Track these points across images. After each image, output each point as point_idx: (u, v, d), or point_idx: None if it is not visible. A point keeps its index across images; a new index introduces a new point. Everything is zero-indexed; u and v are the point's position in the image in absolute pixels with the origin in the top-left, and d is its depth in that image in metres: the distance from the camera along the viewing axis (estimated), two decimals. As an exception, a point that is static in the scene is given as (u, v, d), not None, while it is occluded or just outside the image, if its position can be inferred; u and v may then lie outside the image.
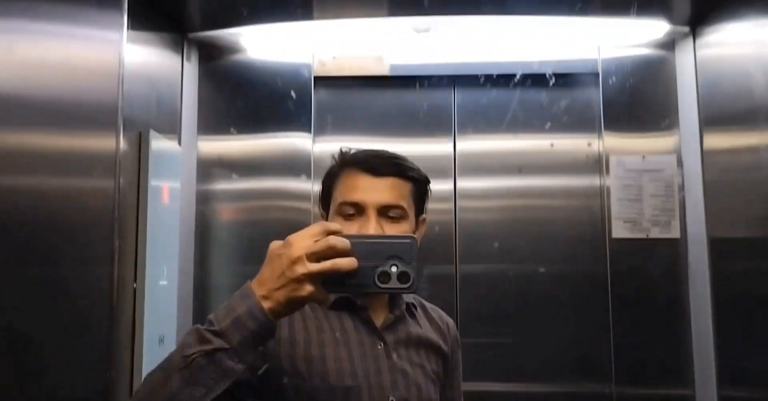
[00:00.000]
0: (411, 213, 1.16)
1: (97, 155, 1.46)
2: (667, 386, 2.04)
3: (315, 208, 1.92)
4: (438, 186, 2.13)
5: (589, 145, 2.16)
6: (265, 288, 0.87)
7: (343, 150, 1.21)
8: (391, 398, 1.10)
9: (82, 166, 1.38)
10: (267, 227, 2.07)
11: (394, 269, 0.90)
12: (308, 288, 0.86)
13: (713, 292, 2.00)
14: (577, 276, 2.09)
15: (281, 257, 0.87)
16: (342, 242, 0.88)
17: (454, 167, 2.15)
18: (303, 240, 0.87)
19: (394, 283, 0.90)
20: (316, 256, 0.86)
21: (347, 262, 0.87)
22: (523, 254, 2.11)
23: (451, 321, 1.31)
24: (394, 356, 1.14)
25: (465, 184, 2.15)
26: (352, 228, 1.11)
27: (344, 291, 1.03)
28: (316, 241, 0.87)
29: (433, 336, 1.22)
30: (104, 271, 1.47)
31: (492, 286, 2.09)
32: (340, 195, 1.15)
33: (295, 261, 0.85)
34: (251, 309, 0.86)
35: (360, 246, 0.89)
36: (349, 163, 1.18)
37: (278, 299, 0.86)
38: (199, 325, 0.89)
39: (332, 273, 0.86)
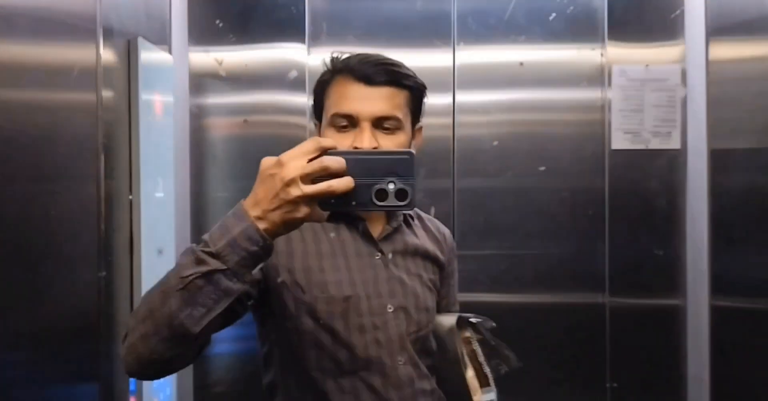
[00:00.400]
0: (407, 123, 1.12)
1: (80, 66, 1.43)
2: (660, 296, 2.08)
3: (311, 123, 1.89)
4: (437, 100, 2.10)
5: (593, 50, 2.09)
6: (259, 209, 0.84)
7: (335, 55, 1.14)
8: (389, 306, 1.12)
9: (64, 78, 1.35)
10: (262, 141, 2.04)
11: (391, 186, 0.87)
12: (304, 210, 0.84)
13: (710, 204, 2.01)
14: (575, 189, 2.09)
15: (274, 177, 0.83)
16: (337, 162, 0.84)
17: (454, 80, 2.10)
18: (296, 160, 0.83)
19: (392, 200, 0.87)
20: (311, 177, 0.83)
21: (343, 183, 0.84)
22: (521, 168, 2.09)
23: (447, 231, 1.31)
24: (392, 266, 1.14)
25: (464, 97, 2.11)
26: (346, 140, 1.07)
27: (341, 210, 1.01)
28: (310, 160, 0.84)
29: (430, 246, 1.22)
30: (92, 184, 1.47)
31: (490, 200, 2.09)
32: (332, 105, 1.10)
33: (289, 183, 0.82)
34: (247, 230, 0.84)
35: (356, 164, 0.86)
36: (341, 70, 1.12)
37: (273, 220, 0.84)
38: (194, 245, 0.87)
39: (328, 194, 0.84)
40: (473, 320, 1.20)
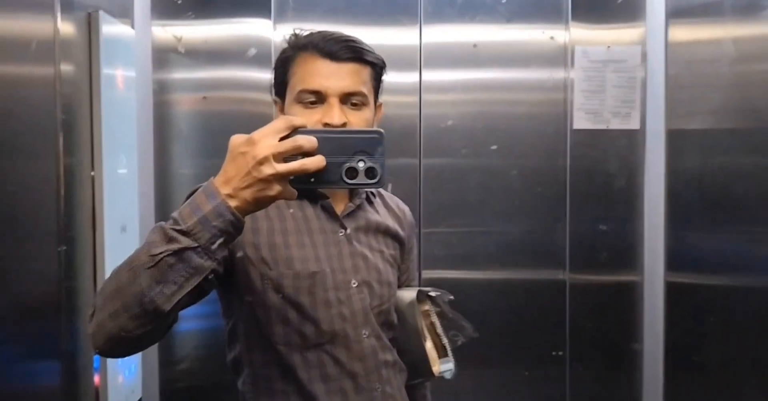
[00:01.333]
0: (371, 98, 1.14)
1: (38, 39, 1.40)
2: (618, 273, 2.15)
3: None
4: (403, 78, 2.10)
5: (558, 30, 2.12)
6: (230, 186, 0.85)
7: (297, 32, 1.15)
8: (353, 281, 1.14)
9: (21, 52, 1.32)
10: (227, 118, 2.02)
11: (361, 164, 0.88)
12: (276, 188, 0.84)
13: (667, 183, 2.07)
14: (538, 167, 2.13)
15: (245, 155, 0.84)
16: (310, 141, 0.85)
17: (420, 58, 2.11)
18: (268, 138, 0.84)
19: (361, 179, 0.88)
20: (283, 156, 0.84)
21: (315, 162, 0.85)
22: (485, 147, 2.12)
23: (407, 208, 1.34)
24: (355, 242, 1.17)
25: (430, 76, 2.12)
26: (314, 116, 1.08)
27: (312, 187, 1.02)
28: (281, 139, 0.85)
29: (391, 222, 1.25)
30: (51, 160, 1.45)
31: (455, 179, 2.12)
32: (298, 82, 1.10)
33: (262, 162, 0.83)
34: (218, 208, 0.85)
35: (326, 142, 0.87)
36: (304, 46, 1.12)
37: (245, 198, 0.85)
38: (163, 223, 0.87)
39: (300, 173, 0.85)
40: (432, 294, 1.24)
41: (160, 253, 0.84)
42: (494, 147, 2.12)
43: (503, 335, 2.12)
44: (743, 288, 1.96)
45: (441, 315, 1.23)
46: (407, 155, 2.10)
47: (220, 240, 0.86)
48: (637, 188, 2.11)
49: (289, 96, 1.12)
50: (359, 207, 1.19)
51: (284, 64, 1.15)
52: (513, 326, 2.13)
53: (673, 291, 2.07)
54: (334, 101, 1.08)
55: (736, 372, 1.97)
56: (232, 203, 0.85)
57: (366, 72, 1.13)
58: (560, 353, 2.13)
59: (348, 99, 1.10)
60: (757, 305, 1.93)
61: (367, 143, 0.89)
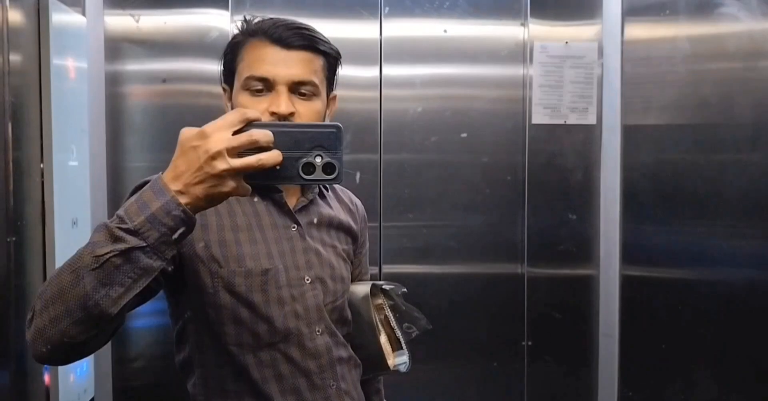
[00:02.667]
0: (323, 90, 1.10)
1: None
2: (575, 266, 2.17)
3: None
4: (363, 72, 2.09)
5: (516, 26, 2.13)
6: (180, 182, 0.81)
7: (248, 18, 1.11)
8: (306, 278, 1.12)
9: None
10: (182, 110, 1.98)
11: (318, 159, 0.85)
12: (230, 184, 0.81)
13: (622, 178, 2.10)
14: (496, 162, 2.14)
15: (197, 150, 0.80)
16: (266, 135, 0.82)
17: (381, 52, 2.10)
18: (221, 132, 0.80)
19: (319, 174, 0.85)
20: (237, 150, 0.80)
21: (272, 157, 0.82)
22: (445, 142, 2.12)
23: (359, 202, 1.32)
24: (308, 237, 1.14)
25: (391, 70, 2.11)
26: (261, 104, 1.04)
27: (267, 184, 0.99)
28: (235, 133, 0.81)
29: (344, 217, 1.23)
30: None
31: (415, 173, 2.12)
32: (246, 68, 1.07)
33: (215, 157, 0.79)
34: (167, 205, 0.80)
35: (282, 136, 0.84)
36: (255, 32, 1.08)
37: (196, 194, 0.81)
38: (108, 222, 0.82)
39: (256, 169, 0.81)
40: (385, 287, 1.23)
41: (106, 254, 0.80)
42: (454, 142, 2.12)
43: (462, 328, 2.13)
44: (696, 281, 2.01)
45: (394, 309, 1.22)
46: (368, 150, 2.09)
47: (170, 239, 0.82)
48: (594, 182, 2.14)
49: (237, 83, 1.09)
50: (312, 201, 1.17)
51: (233, 50, 1.11)
52: (472, 319, 2.14)
53: (628, 284, 2.11)
54: (282, 89, 1.05)
55: (689, 362, 2.02)
56: (183, 200, 0.81)
57: (318, 62, 1.09)
58: (519, 346, 2.15)
59: (297, 88, 1.06)
60: (709, 297, 1.98)
61: (325, 138, 0.86)
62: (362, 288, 1.21)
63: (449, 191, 2.13)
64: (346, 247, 1.21)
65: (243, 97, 1.07)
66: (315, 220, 1.17)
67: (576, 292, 2.17)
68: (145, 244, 0.80)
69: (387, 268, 2.11)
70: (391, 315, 1.21)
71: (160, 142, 1.97)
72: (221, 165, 0.79)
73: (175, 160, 0.82)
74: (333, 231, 1.20)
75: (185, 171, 0.81)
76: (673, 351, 2.04)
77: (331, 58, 1.13)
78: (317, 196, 1.19)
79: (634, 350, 2.10)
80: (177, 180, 0.81)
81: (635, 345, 2.10)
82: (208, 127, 0.81)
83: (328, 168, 0.86)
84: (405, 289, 1.24)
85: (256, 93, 1.06)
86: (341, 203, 1.26)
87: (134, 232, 0.80)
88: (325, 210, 1.20)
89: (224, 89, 1.15)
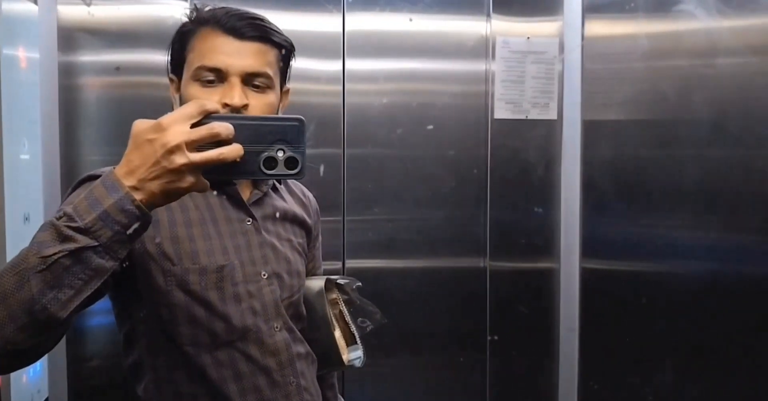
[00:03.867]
0: (276, 82, 1.08)
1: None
2: (536, 260, 2.19)
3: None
4: (326, 66, 2.06)
5: (479, 21, 2.13)
6: (134, 178, 0.77)
7: (198, 6, 1.08)
8: (262, 273, 1.10)
9: None
10: (139, 103, 1.93)
11: (280, 154, 0.82)
12: (189, 179, 0.78)
13: (582, 172, 2.13)
14: (459, 157, 2.14)
15: (153, 143, 0.76)
16: (227, 129, 0.79)
17: (343, 46, 2.08)
18: (179, 125, 0.77)
19: (281, 169, 0.83)
20: (197, 144, 0.77)
21: (233, 151, 0.79)
22: (408, 136, 2.12)
23: (311, 195, 1.31)
24: (263, 231, 1.12)
25: (354, 65, 2.09)
26: (212, 96, 1.01)
27: (226, 179, 0.96)
28: (193, 125, 0.78)
29: (298, 210, 1.21)
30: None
31: (378, 168, 2.11)
32: (197, 58, 1.04)
33: (173, 151, 0.76)
34: (121, 202, 0.76)
35: (242, 129, 0.81)
36: (206, 21, 1.05)
37: (152, 190, 0.77)
38: (54, 220, 0.78)
39: (217, 163, 0.78)
40: (340, 281, 1.23)
41: (54, 254, 0.75)
42: (418, 136, 2.12)
43: (425, 322, 2.13)
44: (656, 273, 2.05)
45: (349, 303, 1.22)
46: (331, 144, 2.07)
47: (124, 238, 0.78)
48: (555, 176, 2.16)
49: (186, 73, 1.06)
50: (266, 194, 1.15)
51: (182, 38, 1.08)
52: (435, 313, 2.15)
53: (589, 277, 2.14)
54: (235, 81, 1.02)
55: (650, 354, 2.06)
56: (138, 196, 0.77)
57: (272, 53, 1.07)
58: (481, 340, 2.16)
59: (251, 80, 1.04)
60: (669, 289, 2.02)
61: (287, 131, 0.83)
62: (316, 283, 1.20)
63: (413, 185, 2.12)
64: (301, 241, 1.20)
65: (193, 88, 1.04)
66: (271, 213, 1.15)
67: (538, 286, 2.19)
68: (96, 244, 0.76)
69: (350, 263, 2.10)
70: (345, 309, 1.20)
71: (116, 135, 1.92)
72: (180, 159, 0.76)
73: (128, 154, 0.79)
74: (288, 224, 1.18)
75: (140, 165, 0.77)
76: (634, 343, 2.07)
77: (285, 50, 1.10)
78: (270, 189, 1.17)
79: (595, 343, 2.13)
80: (131, 175, 0.77)
81: (597, 338, 2.13)
82: (165, 119, 0.78)
83: (290, 162, 0.83)
84: (360, 283, 1.24)
85: (207, 84, 1.04)
86: (293, 196, 1.24)
87: (85, 231, 0.76)
88: (279, 203, 1.18)
89: (171, 80, 1.11)
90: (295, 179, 0.93)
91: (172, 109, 1.12)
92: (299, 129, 0.84)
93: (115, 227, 0.77)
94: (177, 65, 1.09)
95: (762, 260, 1.85)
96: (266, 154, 0.82)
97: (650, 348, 2.05)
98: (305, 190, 1.29)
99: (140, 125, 0.78)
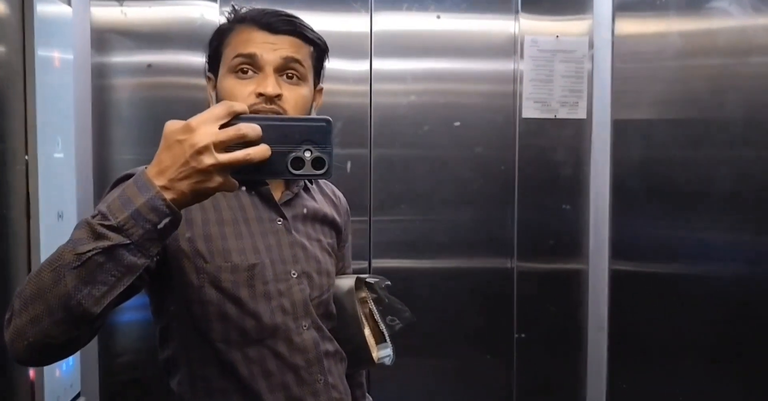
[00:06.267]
0: (310, 77, 1.10)
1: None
2: (565, 261, 2.18)
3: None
4: (353, 66, 2.07)
5: (508, 20, 2.13)
6: (165, 177, 0.78)
7: (236, 6, 1.11)
8: (292, 272, 1.11)
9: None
10: (170, 104, 1.96)
11: (308, 154, 0.83)
12: (217, 180, 0.79)
13: (612, 172, 2.10)
14: (487, 157, 2.13)
15: (183, 144, 0.77)
16: (254, 130, 0.79)
17: (371, 46, 2.08)
18: (208, 126, 0.78)
19: (308, 169, 0.83)
20: (225, 145, 0.78)
21: (260, 152, 0.79)
22: (436, 136, 2.11)
23: (342, 195, 1.31)
24: (293, 231, 1.13)
25: (381, 65, 2.09)
26: (248, 87, 1.03)
27: (255, 178, 0.96)
28: (222, 126, 0.79)
29: (328, 210, 1.22)
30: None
31: (405, 168, 2.11)
32: (232, 50, 1.06)
33: (201, 151, 0.77)
34: (152, 201, 0.78)
35: (270, 130, 0.81)
36: (242, 19, 1.08)
37: (182, 190, 0.78)
38: (89, 218, 0.80)
39: (244, 164, 0.79)
40: (369, 280, 1.23)
41: (88, 252, 0.77)
42: (444, 136, 2.11)
43: (452, 323, 2.13)
44: (685, 275, 2.02)
45: (378, 302, 1.22)
46: (358, 145, 2.08)
47: (155, 236, 0.80)
48: (584, 177, 2.14)
49: (223, 68, 1.07)
50: (297, 194, 1.16)
51: (219, 36, 1.10)
52: (462, 314, 2.14)
53: (617, 279, 2.12)
54: (269, 70, 1.04)
55: (676, 355, 2.03)
56: (168, 195, 0.78)
57: (305, 49, 1.09)
58: (509, 340, 2.15)
59: (285, 69, 1.05)
60: (696, 291, 1.99)
61: (314, 131, 0.84)
62: (346, 282, 1.21)
63: (439, 185, 2.12)
64: (330, 241, 1.20)
65: (229, 81, 1.06)
66: (301, 214, 1.16)
67: (566, 286, 2.17)
68: (129, 241, 0.78)
69: (377, 263, 2.10)
70: (375, 308, 1.20)
71: (147, 135, 1.95)
72: (208, 159, 0.77)
73: (159, 154, 0.80)
74: (318, 224, 1.19)
75: (170, 166, 0.79)
76: (663, 344, 2.04)
77: (319, 49, 1.12)
78: (301, 189, 1.18)
79: (624, 343, 2.11)
80: (162, 175, 0.79)
81: (626, 338, 2.11)
82: (194, 120, 0.79)
83: (317, 163, 0.84)
84: (389, 282, 1.24)
85: (243, 75, 1.05)
86: (324, 196, 1.25)
87: (117, 229, 0.78)
88: (310, 203, 1.19)
89: (209, 78, 1.13)
90: (322, 179, 0.93)
91: (207, 108, 1.14)
92: (326, 129, 0.84)
93: (146, 225, 0.78)
94: (214, 63, 1.11)
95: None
96: (294, 154, 0.83)
97: (679, 349, 2.02)
98: (336, 189, 1.30)
99: (171, 126, 0.80)
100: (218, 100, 1.08)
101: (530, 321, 2.15)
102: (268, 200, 1.12)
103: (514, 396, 2.16)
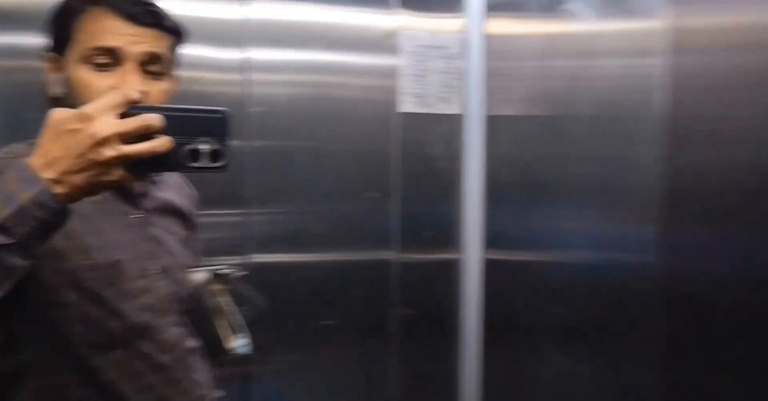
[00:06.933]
0: (171, 69, 1.07)
1: None
2: (441, 251, 2.24)
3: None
4: (225, 55, 2.01)
5: (385, 15, 2.15)
6: (55, 170, 0.73)
7: None
8: (154, 267, 1.07)
9: None
10: (29, 92, 1.81)
11: (206, 146, 0.81)
12: (117, 173, 0.75)
13: (486, 165, 2.19)
14: (365, 150, 2.15)
15: (78, 134, 0.72)
16: (158, 120, 0.76)
17: (244, 34, 2.03)
18: (106, 115, 0.74)
19: (205, 162, 0.81)
20: (128, 136, 0.74)
21: (164, 143, 0.76)
22: (313, 129, 2.10)
23: (192, 187, 1.29)
24: (152, 224, 1.09)
25: (256, 54, 2.05)
26: (104, 81, 0.98)
27: (149, 172, 0.92)
28: (121, 116, 0.75)
29: (180, 202, 1.19)
30: None
31: (282, 161, 2.08)
32: (89, 39, 0.99)
33: (102, 142, 0.72)
34: (39, 196, 0.72)
35: (168, 121, 0.78)
36: (96, 1, 1.01)
37: (76, 184, 0.73)
38: None
39: (148, 156, 0.76)
40: (222, 272, 1.23)
41: None
42: (322, 129, 2.11)
43: (332, 315, 2.14)
44: (553, 263, 2.14)
45: (232, 293, 1.22)
46: (233, 135, 2.01)
47: (41, 235, 0.74)
48: (459, 170, 2.22)
49: (74, 55, 1.00)
50: (150, 187, 1.12)
51: (67, 16, 1.02)
52: (341, 306, 2.15)
53: (490, 268, 2.21)
54: (132, 67, 0.99)
55: (540, 338, 2.15)
56: (59, 189, 0.73)
57: (166, 41, 1.05)
58: (386, 331, 2.19)
59: (147, 66, 1.01)
60: (565, 278, 2.11)
61: (211, 123, 0.82)
62: (199, 275, 1.19)
63: (318, 178, 2.11)
64: (184, 233, 1.17)
65: (83, 72, 0.99)
66: (156, 206, 1.12)
67: (443, 277, 2.24)
68: (11, 241, 0.71)
69: (256, 258, 2.06)
70: (228, 299, 1.20)
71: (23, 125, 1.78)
72: (110, 152, 0.73)
73: (45, 145, 0.74)
74: (172, 217, 1.16)
75: (62, 157, 0.73)
76: (532, 332, 2.16)
77: (178, 38, 1.08)
78: (153, 181, 1.14)
79: (495, 333, 2.21)
80: (50, 167, 0.73)
81: (497, 329, 2.21)
82: (89, 109, 0.74)
83: (214, 155, 0.82)
84: (243, 272, 1.24)
85: (100, 67, 0.99)
86: (175, 188, 1.22)
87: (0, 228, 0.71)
88: (164, 194, 1.15)
89: (52, 59, 1.04)
90: (219, 172, 0.90)
91: (45, 88, 1.06)
92: (224, 121, 0.83)
93: (32, 223, 0.72)
94: (60, 43, 1.02)
95: (638, 248, 1.94)
96: (190, 146, 0.80)
97: (543, 331, 2.14)
98: (186, 181, 1.26)
99: (60, 114, 0.74)
100: (69, 89, 1.01)
101: (409, 313, 2.20)
102: (125, 193, 1.07)
103: (392, 386, 2.20)
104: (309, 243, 2.12)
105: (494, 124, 2.19)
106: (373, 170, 2.16)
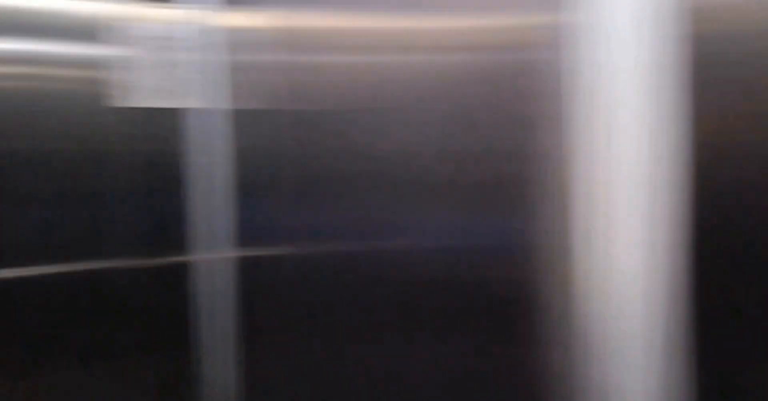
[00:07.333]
0: None
1: None
2: (175, 254, 2.14)
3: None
4: None
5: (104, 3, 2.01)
6: None
7: None
8: None
9: None
10: None
11: None
12: None
13: (234, 162, 2.13)
14: (88, 150, 1.98)
15: None
16: None
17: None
18: None
19: None
20: None
21: None
22: (22, 128, 1.90)
23: None
24: None
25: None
26: None
27: None
28: None
29: None
30: None
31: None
32: None
33: None
34: None
35: None
36: None
37: None
38: None
39: None
40: None
41: None
42: (32, 127, 1.91)
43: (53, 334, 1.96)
44: (313, 256, 2.13)
45: None
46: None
47: None
48: (201, 166, 2.13)
49: None
50: None
51: None
52: (68, 322, 1.98)
53: (242, 266, 2.16)
54: None
55: (310, 334, 2.14)
56: None
57: None
58: (135, 342, 2.06)
59: None
60: (310, 270, 2.12)
61: None
62: None
63: (37, 182, 1.91)
64: None
65: None
66: None
67: (175, 280, 2.14)
68: None
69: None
70: None
71: None
72: None
73: None
74: None
75: None
76: (294, 326, 2.14)
77: None
78: None
79: (251, 332, 2.16)
80: None
81: (253, 327, 2.16)
82: None
83: None
84: None
85: None
86: None
87: None
88: None
89: None
90: None
91: None
92: None
93: None
94: None
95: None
96: None
97: (315, 323, 2.14)
98: None
99: None
100: None
101: (141, 321, 2.08)
102: None
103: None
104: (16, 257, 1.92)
105: (241, 118, 2.14)
106: (92, 171, 1.99)
